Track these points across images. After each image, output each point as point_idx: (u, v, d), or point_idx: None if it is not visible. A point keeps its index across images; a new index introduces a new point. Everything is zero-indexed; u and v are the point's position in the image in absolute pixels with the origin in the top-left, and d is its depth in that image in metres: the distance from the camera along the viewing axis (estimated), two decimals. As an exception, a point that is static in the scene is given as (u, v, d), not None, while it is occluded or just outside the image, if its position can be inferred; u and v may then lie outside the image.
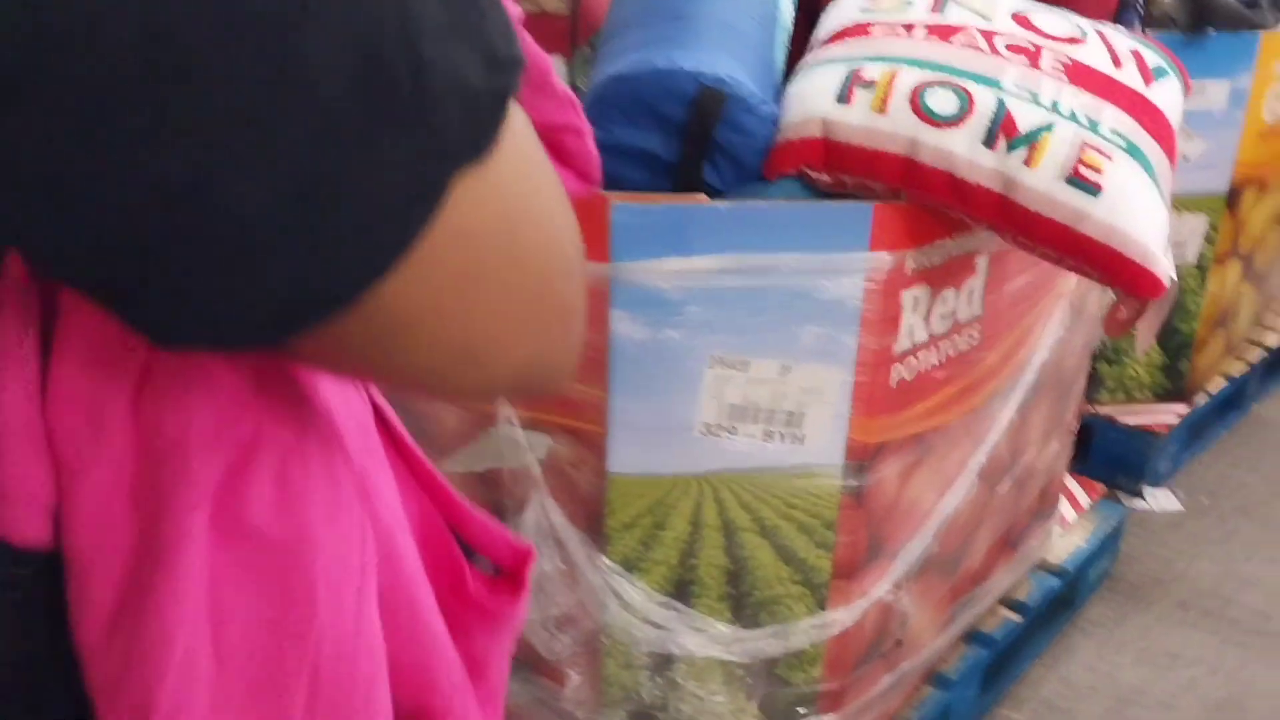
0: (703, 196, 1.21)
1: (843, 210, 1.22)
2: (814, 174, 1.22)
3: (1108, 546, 2.07)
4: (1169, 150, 1.23)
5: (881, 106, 1.18)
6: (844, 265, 1.23)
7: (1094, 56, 1.26)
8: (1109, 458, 2.35)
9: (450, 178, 0.29)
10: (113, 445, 0.31)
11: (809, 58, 1.29)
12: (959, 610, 1.69)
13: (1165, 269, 1.14)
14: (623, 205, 1.19)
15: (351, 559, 0.37)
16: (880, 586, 1.44)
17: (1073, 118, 1.17)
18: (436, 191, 0.29)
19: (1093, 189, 1.14)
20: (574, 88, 1.35)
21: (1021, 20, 1.29)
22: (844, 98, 1.19)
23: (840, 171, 1.21)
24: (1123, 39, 1.31)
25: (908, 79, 1.19)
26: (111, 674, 0.32)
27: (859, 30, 1.28)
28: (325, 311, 0.29)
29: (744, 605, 1.38)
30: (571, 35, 1.61)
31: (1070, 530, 2.03)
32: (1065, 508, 2.04)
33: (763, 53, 1.30)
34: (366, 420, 0.42)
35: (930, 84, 1.18)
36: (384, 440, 0.45)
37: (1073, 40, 1.28)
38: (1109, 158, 1.15)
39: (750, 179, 1.24)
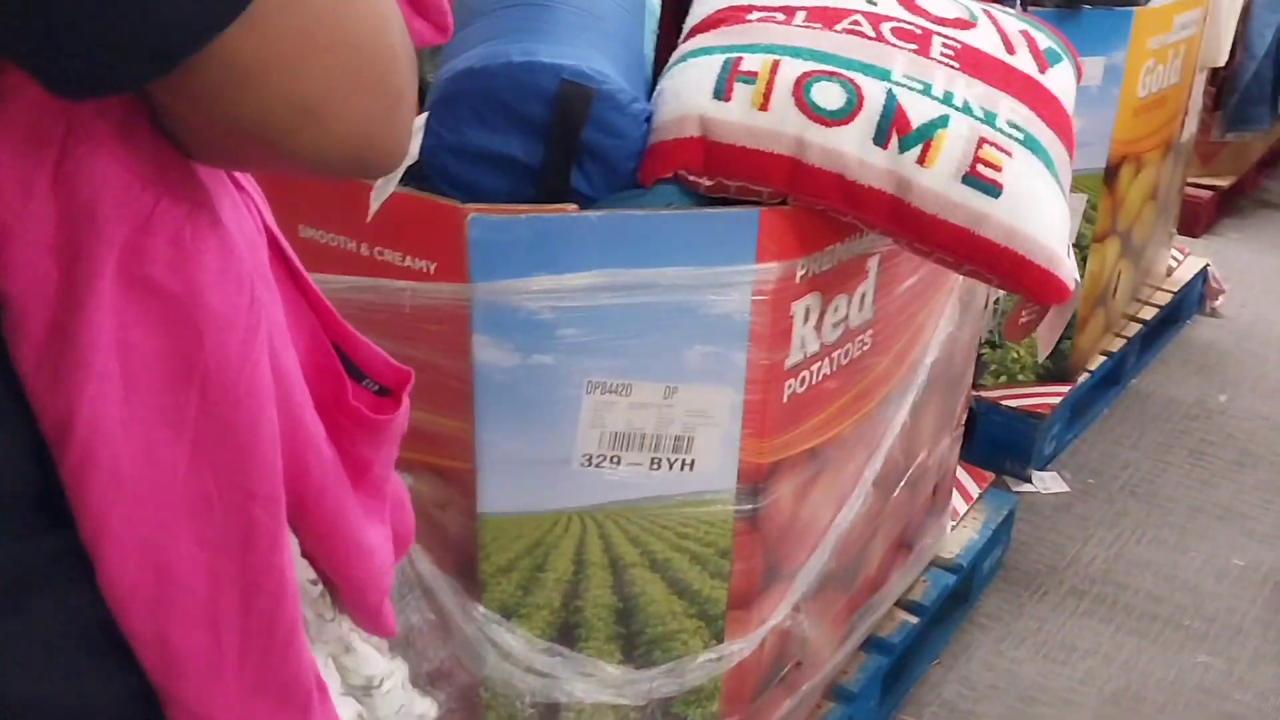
0: (572, 206, 1.08)
1: (727, 218, 1.11)
2: (693, 177, 1.11)
3: (1000, 537, 2.03)
4: (1068, 142, 1.16)
5: (763, 102, 1.07)
6: (730, 278, 1.12)
7: (985, 41, 1.17)
8: (995, 443, 2.31)
9: None
10: (39, 208, 0.39)
11: (682, 48, 1.17)
12: (857, 620, 1.62)
13: (1070, 272, 1.06)
14: (481, 219, 1.06)
15: (237, 315, 0.44)
16: (779, 612, 1.34)
17: (967, 110, 1.08)
18: None
19: (992, 189, 1.05)
20: (422, 82, 1.21)
21: (907, 3, 1.20)
22: (722, 93, 1.08)
23: (722, 174, 1.10)
24: (1012, 21, 1.23)
25: (790, 71, 1.09)
26: (43, 392, 0.41)
27: (735, 16, 1.17)
28: (184, 52, 0.36)
29: (635, 645, 1.27)
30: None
31: (961, 522, 1.98)
32: (956, 499, 1.99)
33: (631, 44, 1.18)
34: (259, 242, 0.49)
35: (815, 76, 1.08)
36: (281, 267, 0.52)
37: (962, 24, 1.19)
38: (1008, 154, 1.07)
39: (623, 185, 1.12)
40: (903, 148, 1.06)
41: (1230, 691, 1.81)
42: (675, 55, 1.17)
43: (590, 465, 1.17)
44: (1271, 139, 3.75)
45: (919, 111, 1.07)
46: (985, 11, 1.23)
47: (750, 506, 1.24)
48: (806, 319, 1.20)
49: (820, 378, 1.26)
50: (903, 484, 1.59)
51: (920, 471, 1.66)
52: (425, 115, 1.01)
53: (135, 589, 0.44)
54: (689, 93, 1.09)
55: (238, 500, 0.45)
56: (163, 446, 0.43)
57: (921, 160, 1.05)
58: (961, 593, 1.92)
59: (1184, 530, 2.20)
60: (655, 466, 1.18)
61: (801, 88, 1.07)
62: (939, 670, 1.85)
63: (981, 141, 1.06)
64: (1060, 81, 1.20)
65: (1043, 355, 2.00)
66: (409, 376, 0.59)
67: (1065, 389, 2.37)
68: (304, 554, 0.57)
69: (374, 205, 0.91)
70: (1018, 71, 1.16)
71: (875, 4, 1.18)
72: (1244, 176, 3.63)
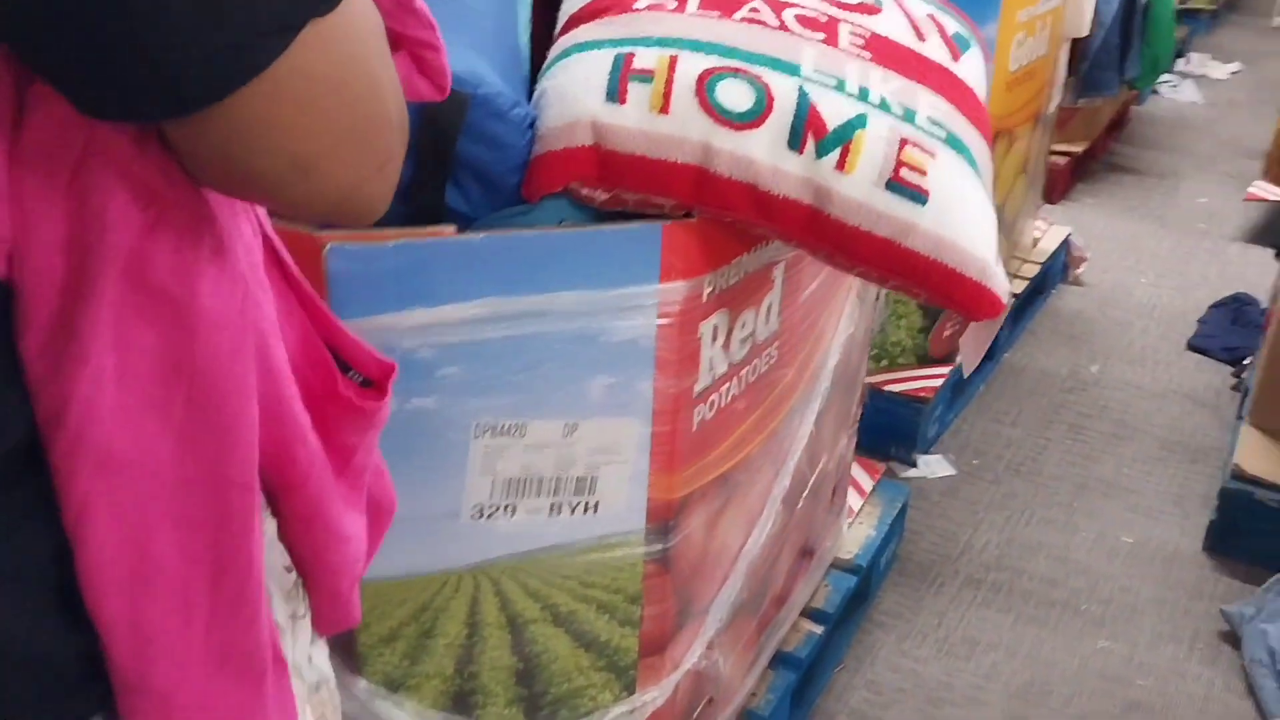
0: (449, 229, 0.94)
1: (627, 235, 0.98)
2: (587, 191, 0.98)
3: (895, 530, 1.98)
4: (986, 135, 1.07)
5: (663, 104, 0.94)
6: (633, 300, 1.00)
7: (895, 28, 1.07)
8: (880, 429, 2.26)
9: (306, 19, 0.40)
10: (54, 209, 0.43)
11: (563, 41, 1.04)
12: (766, 640, 1.53)
13: (1002, 284, 0.98)
14: (340, 248, 0.90)
15: (229, 317, 0.47)
16: (692, 652, 1.24)
17: (885, 107, 0.98)
18: (293, 28, 0.40)
19: (917, 195, 0.95)
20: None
21: (807, -14, 1.09)
22: (616, 94, 0.95)
23: (620, 187, 0.97)
24: (918, 3, 1.14)
25: (690, 67, 0.96)
26: (43, 377, 0.44)
27: (620, 4, 1.04)
28: (202, 101, 0.40)
29: (539, 706, 1.14)
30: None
31: (857, 519, 1.92)
32: (850, 495, 1.93)
33: (504, 36, 1.04)
34: (255, 244, 0.52)
35: (719, 73, 0.96)
36: (273, 265, 0.55)
37: (868, 9, 1.09)
38: (932, 155, 0.97)
39: (505, 201, 0.98)
40: (820, 152, 0.95)
41: (1133, 677, 1.79)
42: (556, 49, 1.04)
43: (482, 517, 1.03)
44: (1118, 103, 3.83)
45: (834, 111, 0.96)
46: (888, -7, 1.13)
47: (660, 546, 1.12)
48: (715, 339, 1.09)
49: (729, 399, 1.15)
50: (806, 493, 1.50)
51: (822, 477, 1.58)
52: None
53: (114, 571, 0.46)
54: (578, 95, 0.95)
55: (216, 487, 0.48)
56: (151, 434, 0.46)
57: (841, 166, 0.95)
58: (861, 592, 1.86)
59: (1071, 509, 2.19)
60: (556, 512, 1.05)
61: (704, 87, 0.95)
62: (844, 676, 1.78)
63: (903, 142, 0.96)
64: (972, 69, 1.11)
65: (968, 370, 1.94)
66: (393, 368, 0.62)
67: (946, 370, 2.33)
68: (283, 540, 0.58)
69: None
70: (931, 61, 1.06)
71: (774, -12, 1.07)
72: (1095, 141, 3.69)
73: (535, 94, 1.00)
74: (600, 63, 0.97)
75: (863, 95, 0.98)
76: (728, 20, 1.01)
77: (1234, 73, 4.97)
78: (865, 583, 1.85)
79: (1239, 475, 2.03)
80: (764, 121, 0.94)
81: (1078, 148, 3.54)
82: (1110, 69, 3.45)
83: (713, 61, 0.96)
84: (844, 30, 1.03)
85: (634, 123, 0.94)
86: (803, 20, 1.03)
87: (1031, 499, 2.22)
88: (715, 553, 1.23)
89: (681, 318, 1.02)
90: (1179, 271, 3.15)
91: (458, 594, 1.06)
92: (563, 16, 1.10)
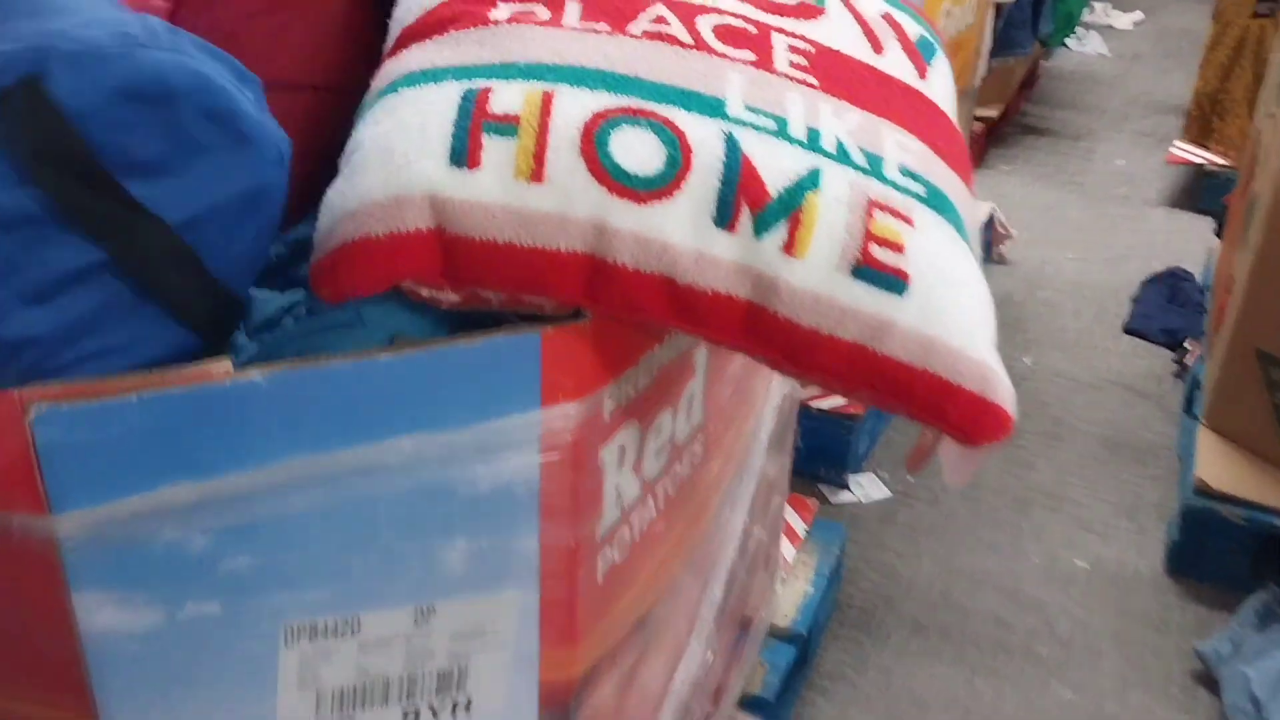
0: (220, 366, 0.63)
1: (490, 351, 0.69)
2: (427, 292, 0.68)
3: (834, 582, 1.74)
4: (968, 179, 0.80)
5: (534, 168, 0.65)
6: (504, 436, 0.71)
7: (844, 36, 0.79)
8: (808, 451, 2.00)
9: None
10: None
11: (390, 69, 0.73)
12: (695, 756, 1.27)
13: (1008, 393, 0.71)
14: (55, 411, 0.59)
15: None
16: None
17: (844, 156, 0.70)
18: None
19: (894, 281, 0.68)
20: None
21: (725, -21, 0.80)
22: (464, 154, 0.65)
23: (476, 283, 0.68)
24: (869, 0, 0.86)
25: (573, 109, 0.67)
26: None
27: (470, 12, 0.74)
28: None
29: None
30: None
31: (792, 574, 1.67)
32: (783, 544, 1.68)
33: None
34: None
35: (612, 118, 0.67)
36: None
37: (807, 10, 0.80)
38: (908, 221, 0.70)
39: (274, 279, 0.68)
40: (759, 228, 0.67)
41: (1103, 737, 1.59)
42: (378, 80, 0.73)
43: (308, 739, 0.74)
44: (1029, 62, 3.63)
45: (776, 166, 0.68)
46: (829, -17, 0.85)
47: (559, 731, 0.85)
48: (622, 462, 0.81)
49: (644, 526, 0.88)
50: (738, 582, 1.24)
51: (756, 548, 1.32)
52: None
53: None
54: (408, 154, 0.65)
55: None
56: None
57: (789, 247, 0.67)
58: (801, 659, 1.61)
59: (1017, 530, 1.98)
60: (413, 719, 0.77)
61: (593, 139, 0.66)
62: (785, 763, 1.54)
63: (871, 206, 0.69)
64: (942, 86, 0.84)
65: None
66: None
67: (875, 377, 2.09)
68: None
69: None
70: (895, 81, 0.78)
71: (680, -18, 0.78)
72: (1008, 103, 3.49)
73: (348, 147, 0.69)
74: (440, 104, 0.67)
75: (812, 140, 0.70)
76: (622, 37, 0.71)
77: (1136, 23, 4.83)
78: (805, 650, 1.61)
79: (1203, 490, 1.83)
80: (679, 187, 0.66)
81: (992, 111, 3.32)
82: (1023, 26, 3.26)
83: (603, 100, 0.67)
84: (779, 45, 0.75)
85: (492, 196, 0.65)
86: (724, 34, 0.74)
87: (972, 520, 2.00)
88: (632, 712, 0.95)
89: (574, 449, 0.74)
90: (1105, 244, 2.96)
91: (284, 838, 0.77)
92: (393, 28, 0.79)
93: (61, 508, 0.62)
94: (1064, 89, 4.02)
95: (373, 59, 0.92)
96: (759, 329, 0.68)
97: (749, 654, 1.46)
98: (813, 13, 0.80)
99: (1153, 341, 2.53)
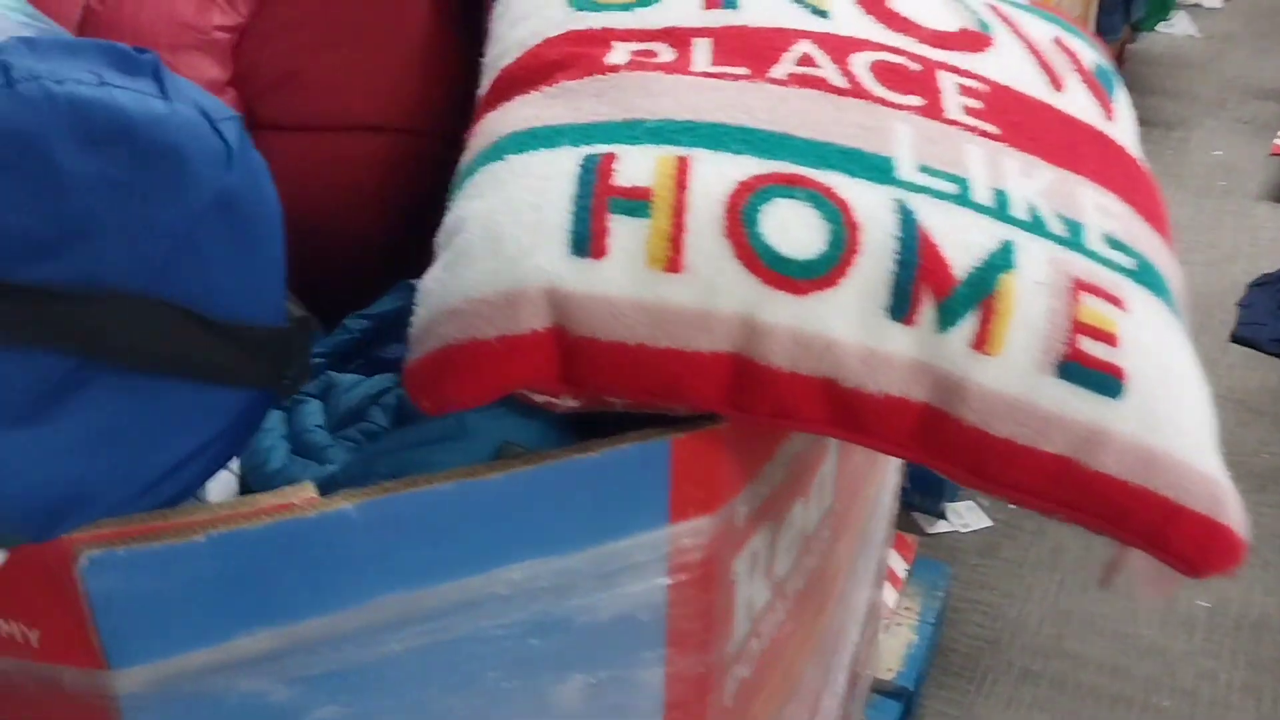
0: (305, 491, 0.53)
1: (613, 464, 0.58)
2: (543, 398, 0.57)
3: (938, 628, 1.62)
4: (1169, 239, 0.67)
5: (672, 254, 0.54)
6: (627, 558, 0.60)
7: (1018, 71, 0.67)
8: (906, 477, 1.89)
9: None
10: None
11: (491, 126, 0.62)
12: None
13: (1238, 515, 0.59)
14: (108, 557, 0.50)
15: None
16: None
17: (1038, 225, 0.58)
18: None
19: (1109, 381, 0.56)
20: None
21: (875, 6, 0.68)
22: (587, 240, 0.54)
23: (599, 388, 0.57)
24: (1035, 19, 0.73)
25: (715, 177, 0.55)
26: None
27: (583, 55, 0.62)
28: None
29: None
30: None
31: (895, 621, 1.55)
32: (885, 589, 1.56)
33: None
34: None
35: (764, 185, 0.55)
36: None
37: (972, 39, 0.68)
38: (1120, 303, 0.58)
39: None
40: (944, 321, 0.55)
41: (1242, 809, 1.46)
42: (477, 141, 0.62)
43: None
44: (1117, 46, 3.46)
45: (961, 242, 0.56)
46: (991, 7, 0.72)
47: None
48: (754, 569, 0.69)
49: (774, 632, 0.76)
50: (857, 657, 1.13)
51: (870, 612, 1.20)
52: None
53: None
54: (520, 240, 0.54)
55: None
56: None
57: (980, 342, 0.55)
58: (905, 711, 1.50)
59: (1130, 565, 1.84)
60: None
61: (740, 216, 0.54)
62: (891, 830, 1.42)
63: (1077, 288, 0.57)
64: (1128, 126, 0.71)
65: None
66: None
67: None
68: None
69: None
70: (1082, 125, 0.66)
71: (826, 15, 0.66)
72: (1097, 92, 3.31)
73: (448, 224, 0.59)
74: (556, 177, 0.56)
75: (1000, 206, 0.58)
76: (765, 84, 0.60)
77: (1226, 0, 4.59)
78: (909, 705, 1.49)
79: (1341, 527, 1.68)
80: (845, 273, 0.54)
81: (1082, 101, 3.15)
82: (1115, 11, 3.09)
83: (749, 166, 0.56)
84: (948, 85, 0.63)
85: (621, 290, 0.53)
86: (884, 74, 0.62)
87: (1083, 554, 1.86)
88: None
89: (705, 567, 0.63)
90: (1208, 242, 2.79)
91: None
92: (489, 68, 0.68)
93: (121, 662, 0.52)
94: (1153, 74, 3.82)
95: (458, 95, 0.82)
96: (938, 438, 0.56)
97: (855, 714, 1.35)
98: (980, 43, 0.68)
99: (1264, 352, 2.36)
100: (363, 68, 0.78)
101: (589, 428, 0.61)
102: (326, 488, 0.55)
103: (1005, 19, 0.71)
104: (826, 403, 0.55)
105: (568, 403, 0.58)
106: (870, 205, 0.56)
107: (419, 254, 0.63)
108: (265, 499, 0.53)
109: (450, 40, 0.82)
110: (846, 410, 0.56)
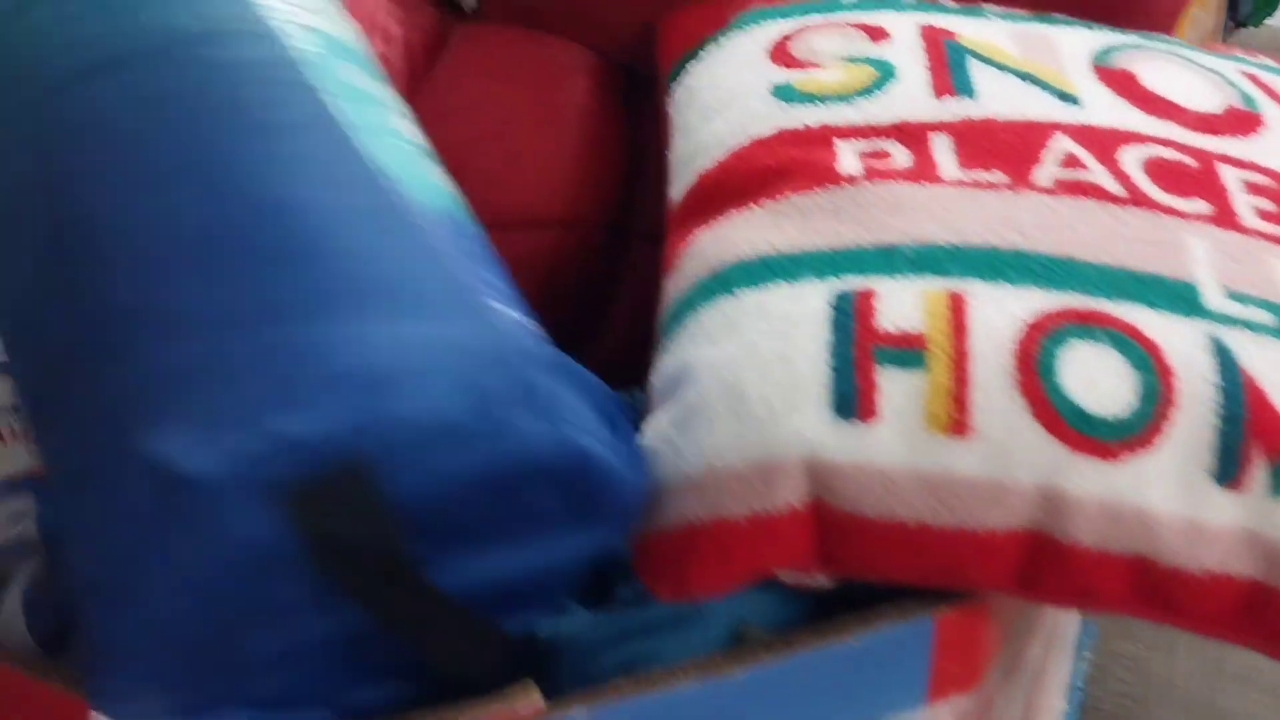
0: (530, 700, 0.45)
1: (871, 645, 0.50)
2: (789, 576, 0.49)
3: (1086, 690, 1.51)
4: None
5: (955, 415, 0.45)
6: (880, 749, 0.52)
7: (1300, 156, 0.58)
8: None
9: None
10: None
11: (704, 248, 0.53)
12: None
13: None
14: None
15: None
16: None
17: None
18: None
19: None
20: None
21: (1129, 89, 0.59)
22: (850, 399, 0.46)
23: (863, 569, 0.48)
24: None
25: (997, 318, 0.47)
26: None
27: (804, 165, 0.54)
28: None
29: None
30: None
31: (1042, 686, 1.45)
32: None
33: (508, 300, 0.53)
34: None
35: (1052, 326, 0.47)
36: None
37: (1240, 120, 0.59)
38: None
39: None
40: (1278, 482, 0.46)
41: None
42: (694, 262, 0.54)
43: None
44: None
45: (1288, 386, 0.47)
46: (1249, 76, 0.63)
47: None
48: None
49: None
50: None
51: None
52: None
53: None
54: (771, 400, 0.46)
55: None
56: None
57: (1322, 509, 0.46)
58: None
59: (1282, 613, 1.72)
60: None
61: (1034, 365, 0.46)
62: None
63: None
64: None
65: None
66: None
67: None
68: None
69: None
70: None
71: (1076, 101, 0.57)
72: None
73: (670, 369, 0.50)
74: (805, 320, 0.47)
75: (1324, 336, 0.49)
76: (1031, 193, 0.51)
77: (1323, -14, 4.41)
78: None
79: None
80: (1161, 430, 0.46)
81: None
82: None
83: (1034, 301, 0.47)
84: (1232, 181, 0.54)
85: (896, 458, 0.45)
86: (1161, 173, 0.53)
87: (1229, 601, 1.75)
88: None
89: (962, 745, 0.54)
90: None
91: None
92: (683, 170, 0.60)
93: None
94: (1250, 70, 3.66)
95: (621, 180, 0.74)
96: (1265, 617, 0.48)
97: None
98: (1250, 124, 0.58)
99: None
100: (529, 160, 0.71)
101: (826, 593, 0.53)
102: (549, 657, 0.48)
103: (1266, 89, 0.62)
104: (1136, 583, 0.47)
105: (821, 581, 0.49)
106: (1183, 346, 0.47)
107: (581, 345, 0.56)
108: (486, 707, 0.46)
109: (612, 122, 0.75)
110: (1158, 589, 0.47)
